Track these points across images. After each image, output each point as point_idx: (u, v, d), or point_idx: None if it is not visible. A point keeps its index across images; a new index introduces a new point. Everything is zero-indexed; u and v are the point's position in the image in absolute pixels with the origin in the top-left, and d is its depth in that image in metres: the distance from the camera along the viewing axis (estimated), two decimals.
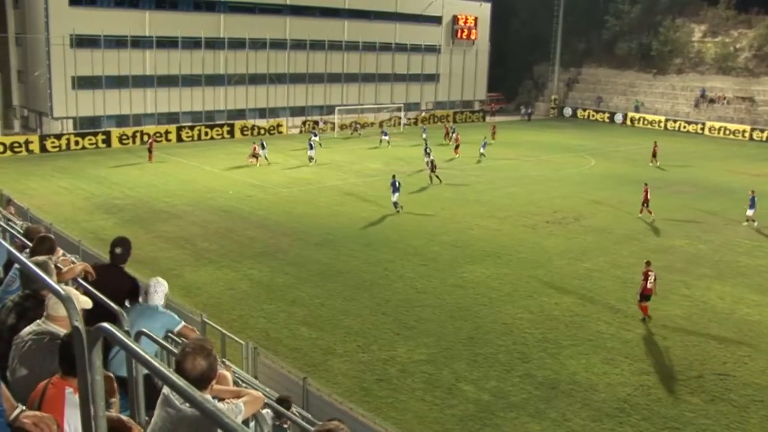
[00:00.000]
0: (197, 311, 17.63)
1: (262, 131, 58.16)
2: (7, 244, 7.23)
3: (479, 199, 36.37)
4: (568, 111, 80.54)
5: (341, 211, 33.08)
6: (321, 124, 61.49)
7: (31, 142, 47.72)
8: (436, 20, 73.13)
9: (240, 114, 59.84)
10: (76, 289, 6.19)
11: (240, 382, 9.09)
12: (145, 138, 49.29)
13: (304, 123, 61.16)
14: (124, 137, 51.17)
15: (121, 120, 53.47)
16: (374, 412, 14.44)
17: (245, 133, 56.61)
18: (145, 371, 4.67)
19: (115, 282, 7.68)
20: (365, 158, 48.33)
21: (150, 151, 44.90)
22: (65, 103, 50.55)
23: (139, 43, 53.24)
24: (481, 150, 49.06)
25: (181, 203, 33.82)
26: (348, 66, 65.88)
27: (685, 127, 70.39)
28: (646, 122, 73.36)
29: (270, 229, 29.77)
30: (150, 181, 38.75)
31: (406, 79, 70.45)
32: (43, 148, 47.54)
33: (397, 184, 33.10)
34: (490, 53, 78.43)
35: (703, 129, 69.05)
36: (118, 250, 8.12)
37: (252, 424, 5.92)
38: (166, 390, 3.90)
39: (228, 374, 5.13)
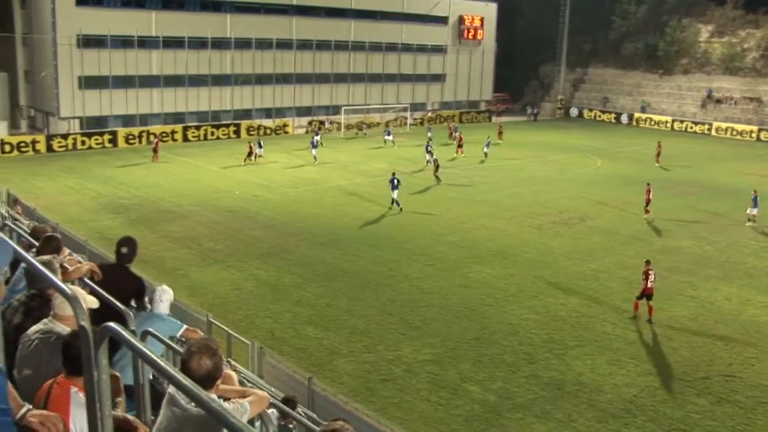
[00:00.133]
0: (203, 311, 17.68)
1: (269, 131, 58.27)
2: (13, 244, 7.25)
3: (485, 199, 36.34)
4: (574, 111, 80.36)
5: (347, 211, 33.09)
6: (327, 125, 61.54)
7: (38, 141, 47.91)
8: (443, 20, 73.09)
9: (246, 114, 59.91)
10: (82, 288, 6.20)
11: (245, 381, 9.10)
12: (152, 138, 49.39)
13: (310, 123, 61.21)
14: (131, 137, 51.30)
15: (127, 120, 53.60)
16: (379, 412, 14.45)
17: (251, 133, 56.65)
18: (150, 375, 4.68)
19: (121, 282, 7.68)
20: (371, 158, 48.33)
21: (155, 151, 44.97)
22: (72, 103, 50.70)
23: (145, 43, 53.34)
24: (485, 150, 49.04)
25: (188, 203, 33.87)
26: (354, 66, 65.92)
27: (691, 127, 70.13)
28: (652, 123, 73.13)
29: (276, 229, 29.79)
30: (156, 181, 38.83)
31: (412, 79, 70.43)
32: (49, 148, 47.71)
33: (395, 181, 33.24)
34: (497, 53, 78.38)
35: (710, 129, 68.78)
36: (124, 250, 8.13)
37: (257, 423, 5.92)
38: (171, 389, 3.91)
39: (233, 374, 5.13)
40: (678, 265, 26.00)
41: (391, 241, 28.29)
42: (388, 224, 31.01)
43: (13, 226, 11.44)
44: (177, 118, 55.56)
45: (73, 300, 3.36)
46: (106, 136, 50.44)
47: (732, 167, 48.46)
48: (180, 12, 55.85)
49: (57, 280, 4.03)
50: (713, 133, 68.22)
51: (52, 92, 50.84)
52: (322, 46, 62.92)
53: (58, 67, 49.95)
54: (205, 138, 55.00)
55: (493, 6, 76.81)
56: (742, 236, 30.52)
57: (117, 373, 4.54)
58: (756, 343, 19.31)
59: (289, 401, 10.30)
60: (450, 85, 74.40)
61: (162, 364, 2.90)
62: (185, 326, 7.64)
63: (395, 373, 16.92)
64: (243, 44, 57.99)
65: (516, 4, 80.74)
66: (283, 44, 60.41)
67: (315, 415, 11.72)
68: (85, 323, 3.20)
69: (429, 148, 45.52)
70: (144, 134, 51.58)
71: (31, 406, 3.39)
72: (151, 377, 5.31)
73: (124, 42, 52.16)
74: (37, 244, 7.66)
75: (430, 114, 70.52)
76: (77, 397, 3.80)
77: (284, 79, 61.21)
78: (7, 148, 46.15)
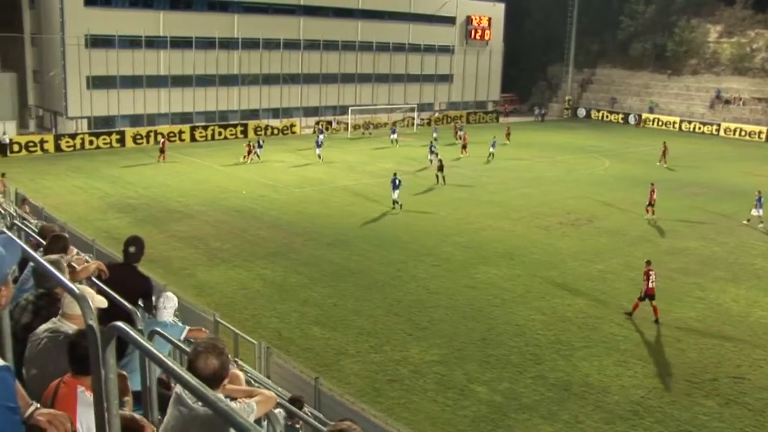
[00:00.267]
0: (210, 311, 17.71)
1: (276, 131, 58.37)
2: (21, 243, 7.27)
3: (492, 199, 36.28)
4: (581, 112, 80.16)
5: (353, 211, 33.09)
6: (335, 125, 61.60)
7: (46, 141, 48.10)
8: (450, 21, 73.03)
9: (253, 114, 60.00)
10: (90, 287, 6.22)
11: (252, 381, 9.11)
12: (159, 138, 49.53)
13: (317, 123, 61.26)
14: (138, 137, 51.46)
15: (135, 120, 53.75)
16: (386, 413, 14.45)
17: (258, 133, 56.73)
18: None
19: (128, 281, 7.70)
20: (377, 158, 48.33)
21: (162, 151, 45.07)
22: (80, 103, 50.87)
23: (153, 43, 53.48)
24: (491, 150, 49.00)
25: (195, 203, 33.94)
26: (361, 66, 65.92)
27: (700, 128, 69.79)
28: (660, 123, 72.87)
29: (283, 228, 29.82)
30: (163, 181, 38.93)
31: (419, 79, 70.38)
32: (57, 148, 47.90)
33: (397, 181, 33.34)
34: (504, 54, 78.22)
35: (718, 130, 68.46)
36: (131, 249, 8.15)
37: (264, 423, 5.92)
38: (178, 389, 3.91)
39: (240, 374, 5.13)
40: (686, 267, 25.91)
41: (398, 241, 28.28)
42: (395, 224, 31.00)
43: (22, 226, 11.48)
44: (184, 118, 55.67)
45: (81, 299, 3.37)
46: (114, 136, 50.61)
47: (740, 168, 48.25)
48: (187, 12, 56.01)
49: (65, 279, 4.04)
50: (721, 133, 67.92)
51: (60, 92, 51.03)
52: (330, 46, 62.94)
53: (67, 67, 50.15)
54: (213, 138, 55.11)
55: (501, 6, 76.72)
56: (750, 237, 30.39)
57: (124, 372, 4.55)
58: (765, 345, 19.22)
59: (296, 401, 10.31)
60: (457, 85, 74.34)
61: (169, 363, 2.91)
62: (187, 327, 7.65)
63: (402, 374, 16.91)
64: (250, 44, 58.06)
65: (523, 5, 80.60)
66: (291, 44, 60.44)
67: (322, 415, 11.73)
68: (93, 323, 3.21)
69: (432, 148, 45.59)
70: (151, 134, 51.72)
71: (39, 405, 3.40)
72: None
73: (132, 42, 52.29)
74: (45, 243, 7.69)
75: (437, 114, 70.47)
76: (84, 396, 3.80)
77: (291, 79, 61.27)
78: (16, 147, 46.37)
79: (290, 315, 20.44)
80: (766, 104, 69.12)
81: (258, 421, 5.23)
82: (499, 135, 54.45)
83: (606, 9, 80.00)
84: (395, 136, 54.11)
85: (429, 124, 67.14)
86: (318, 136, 48.27)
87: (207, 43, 55.81)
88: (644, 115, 74.52)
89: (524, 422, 14.91)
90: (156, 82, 54.07)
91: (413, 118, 65.86)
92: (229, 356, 4.19)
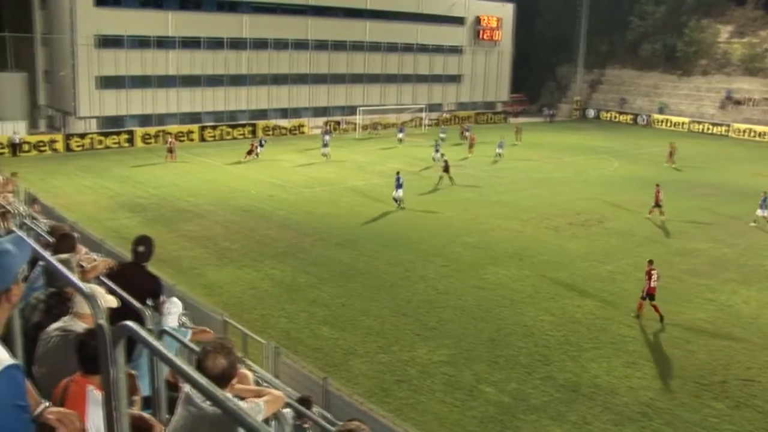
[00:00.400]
0: (219, 310, 17.75)
1: (284, 131, 58.49)
2: (32, 242, 7.30)
3: (501, 200, 36.22)
4: (591, 112, 79.95)
5: (363, 211, 33.09)
6: (343, 125, 61.65)
7: (56, 141, 48.36)
8: (459, 21, 72.97)
9: (262, 114, 60.12)
10: (100, 286, 6.24)
11: (261, 381, 9.12)
12: (168, 138, 49.68)
13: (326, 123, 61.32)
14: (148, 137, 51.64)
15: (144, 120, 53.94)
16: (394, 413, 14.45)
17: (267, 132, 56.85)
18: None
19: (137, 281, 7.72)
20: (387, 159, 48.32)
21: (171, 150, 45.17)
22: (89, 103, 51.11)
23: (162, 43, 53.67)
24: (498, 150, 48.91)
25: (204, 202, 34.02)
26: (370, 66, 65.94)
27: (710, 129, 69.44)
28: (670, 124, 72.56)
29: (292, 228, 29.85)
30: (173, 181, 39.04)
31: (428, 80, 70.36)
32: (67, 147, 48.15)
33: (400, 180, 33.33)
34: (513, 54, 78.09)
35: (728, 131, 68.12)
36: (141, 249, 8.16)
37: (273, 423, 5.93)
38: (187, 388, 3.92)
39: (249, 373, 5.14)
40: (696, 268, 25.79)
41: (407, 241, 28.26)
42: (403, 225, 30.98)
43: (32, 225, 11.53)
44: (194, 118, 55.85)
45: (90, 298, 3.38)
46: (124, 136, 50.82)
47: (750, 169, 47.98)
48: (197, 12, 56.16)
49: (75, 278, 4.06)
50: (731, 134, 67.58)
51: (70, 92, 51.26)
52: (338, 46, 63.01)
53: (77, 67, 50.37)
54: (222, 138, 55.25)
55: (510, 6, 76.58)
56: (761, 239, 30.22)
57: (133, 372, 4.56)
58: None
59: (305, 401, 10.31)
60: (466, 85, 74.27)
61: (178, 362, 2.91)
62: (190, 331, 7.66)
63: (410, 374, 16.89)
64: (259, 44, 58.19)
65: (533, 5, 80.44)
66: (299, 44, 60.54)
67: (330, 415, 11.72)
68: (103, 322, 3.22)
69: (438, 148, 45.61)
70: (161, 134, 51.87)
71: (49, 403, 3.41)
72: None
73: (141, 42, 52.49)
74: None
75: (446, 115, 70.41)
76: (94, 395, 3.81)
77: (300, 79, 61.36)
78: (26, 147, 46.62)
79: (299, 315, 20.45)
80: None
81: (266, 421, 5.24)
82: (508, 136, 54.34)
83: (616, 9, 79.77)
84: (402, 135, 54.19)
85: (437, 124, 67.09)
86: (324, 137, 48.34)
87: (216, 44, 55.98)
88: (654, 116, 74.23)
89: (533, 423, 14.87)
90: (165, 82, 54.24)
91: (422, 119, 65.82)
92: (237, 355, 4.19)
